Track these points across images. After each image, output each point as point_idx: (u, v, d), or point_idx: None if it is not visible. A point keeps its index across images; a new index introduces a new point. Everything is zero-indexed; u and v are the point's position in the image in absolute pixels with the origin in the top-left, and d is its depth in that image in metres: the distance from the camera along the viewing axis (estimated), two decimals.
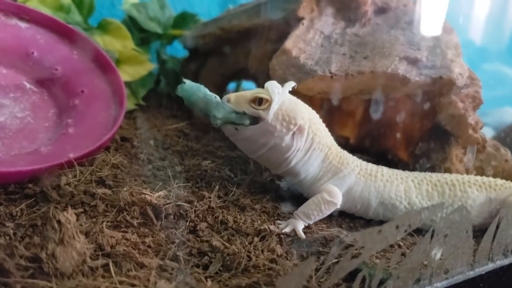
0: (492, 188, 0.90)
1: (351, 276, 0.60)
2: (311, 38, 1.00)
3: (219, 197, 0.83)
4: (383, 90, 0.90)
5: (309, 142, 0.82)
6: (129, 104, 1.30)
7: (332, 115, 1.20)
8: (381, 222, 0.65)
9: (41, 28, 1.10)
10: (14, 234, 0.64)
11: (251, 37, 1.17)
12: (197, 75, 1.33)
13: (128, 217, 0.72)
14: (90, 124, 1.00)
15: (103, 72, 1.11)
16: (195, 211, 0.76)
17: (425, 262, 0.63)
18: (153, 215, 0.73)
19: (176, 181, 0.83)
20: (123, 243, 0.66)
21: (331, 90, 0.91)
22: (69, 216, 0.62)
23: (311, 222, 0.80)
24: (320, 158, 0.84)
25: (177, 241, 0.69)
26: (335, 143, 0.88)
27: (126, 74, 1.30)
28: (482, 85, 0.98)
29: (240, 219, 0.77)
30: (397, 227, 0.58)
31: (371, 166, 0.88)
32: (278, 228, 0.76)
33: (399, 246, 0.77)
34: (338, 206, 0.82)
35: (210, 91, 0.80)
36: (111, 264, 0.61)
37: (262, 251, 0.70)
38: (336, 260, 0.63)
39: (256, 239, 0.72)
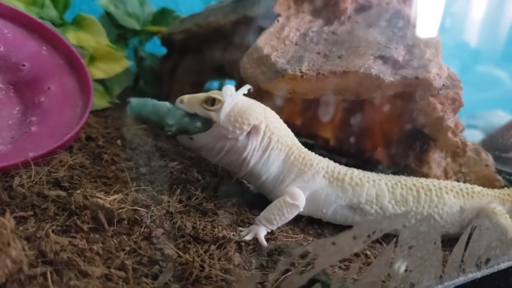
0: (470, 196, 0.86)
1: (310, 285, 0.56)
2: (286, 36, 0.96)
3: (180, 201, 0.79)
4: (356, 91, 0.86)
5: (266, 141, 0.80)
6: (102, 102, 1.27)
7: (311, 115, 1.16)
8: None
9: (9, 22, 1.06)
10: None
11: (227, 34, 1.13)
12: (174, 73, 1.28)
13: (78, 222, 0.68)
14: (54, 123, 0.96)
15: (71, 69, 1.07)
16: (151, 216, 0.72)
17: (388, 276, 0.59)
18: (104, 220, 0.69)
19: (135, 184, 0.79)
20: (69, 249, 0.62)
21: (301, 90, 0.87)
22: (5, 221, 0.58)
23: (274, 228, 0.75)
24: (280, 158, 0.81)
25: (127, 248, 0.65)
26: (298, 143, 0.85)
27: (100, 71, 1.26)
28: (463, 87, 0.94)
29: (200, 225, 0.73)
30: (354, 237, 0.54)
31: (339, 168, 0.84)
32: (239, 235, 0.72)
33: (366, 255, 0.73)
34: (301, 209, 0.78)
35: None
36: (49, 273, 0.57)
37: (219, 260, 0.66)
38: (289, 273, 0.59)
39: (213, 247, 0.68)
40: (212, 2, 1.44)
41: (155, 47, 1.51)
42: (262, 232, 0.73)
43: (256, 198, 0.87)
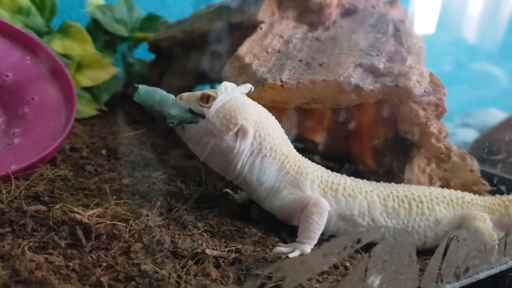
0: (460, 206, 0.86)
1: None
2: (268, 44, 0.95)
3: (160, 214, 0.79)
4: (336, 99, 0.86)
5: (257, 147, 0.77)
6: (90, 110, 1.27)
7: (301, 120, 1.16)
8: None
9: None
10: None
11: (212, 41, 1.12)
12: (161, 79, 1.28)
13: (56, 238, 0.68)
14: (38, 134, 0.96)
15: (55, 79, 1.07)
16: (129, 230, 0.72)
17: None
18: (82, 235, 0.69)
19: (115, 197, 0.79)
20: (44, 267, 0.62)
21: (282, 99, 0.86)
22: None
23: (316, 241, 0.75)
24: (275, 167, 0.79)
25: (104, 264, 0.65)
26: (294, 151, 0.82)
27: (88, 79, 1.26)
28: (446, 92, 0.93)
29: (179, 239, 0.73)
30: (324, 255, 0.53)
31: (332, 177, 0.82)
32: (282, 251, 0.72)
33: (345, 267, 0.72)
34: (329, 208, 0.76)
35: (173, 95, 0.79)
36: None
37: (195, 275, 0.66)
38: None
39: (190, 262, 0.68)
40: (201, 6, 1.43)
41: (144, 53, 1.51)
42: (308, 250, 0.73)
43: (240, 208, 0.87)
